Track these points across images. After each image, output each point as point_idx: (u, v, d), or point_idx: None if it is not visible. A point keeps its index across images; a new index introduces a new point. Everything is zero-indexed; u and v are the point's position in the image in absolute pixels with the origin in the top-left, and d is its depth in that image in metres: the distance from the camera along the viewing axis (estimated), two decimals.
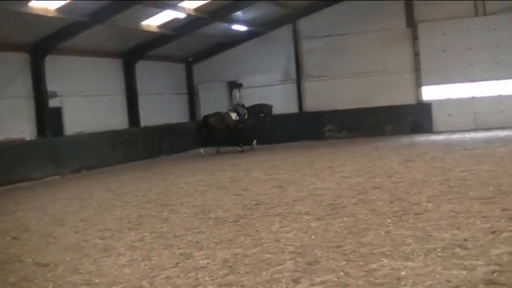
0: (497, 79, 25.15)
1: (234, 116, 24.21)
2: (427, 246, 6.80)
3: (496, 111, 24.92)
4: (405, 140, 22.84)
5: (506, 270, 5.73)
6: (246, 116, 24.43)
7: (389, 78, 26.03)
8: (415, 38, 26.07)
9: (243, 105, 24.67)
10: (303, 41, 27.76)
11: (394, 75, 26.12)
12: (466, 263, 6.06)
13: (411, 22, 26.05)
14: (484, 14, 25.26)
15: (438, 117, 25.63)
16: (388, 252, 6.73)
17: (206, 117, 24.46)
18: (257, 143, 25.10)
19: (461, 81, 25.52)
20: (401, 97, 25.74)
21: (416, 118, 25.80)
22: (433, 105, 25.82)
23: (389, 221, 8.38)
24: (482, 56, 25.16)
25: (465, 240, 6.96)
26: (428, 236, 7.31)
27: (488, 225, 7.54)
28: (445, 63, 25.49)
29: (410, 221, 8.25)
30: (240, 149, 24.16)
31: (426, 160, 15.42)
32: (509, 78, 24.99)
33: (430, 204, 9.25)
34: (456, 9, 25.35)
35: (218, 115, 24.33)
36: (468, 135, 22.45)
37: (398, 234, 7.54)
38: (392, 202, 9.77)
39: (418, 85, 26.04)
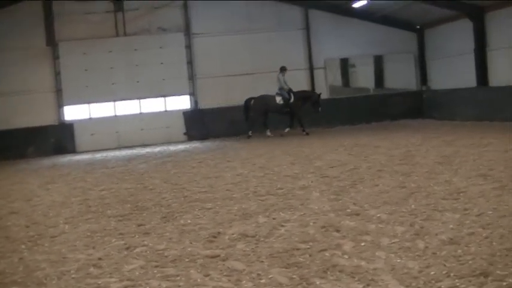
0: (138, 98, 26.00)
1: (278, 99, 23.91)
2: (61, 269, 6.55)
3: (138, 129, 25.74)
4: (48, 161, 22.17)
5: (138, 284, 5.81)
6: (291, 100, 23.69)
7: (30, 99, 25.07)
8: (55, 57, 25.61)
9: (290, 90, 23.91)
10: None
11: (35, 95, 25.24)
12: (100, 282, 6.00)
13: (51, 41, 25.50)
14: (125, 34, 25.92)
15: (81, 137, 25.45)
16: (20, 280, 6.34)
17: (248, 100, 24.42)
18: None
19: (103, 101, 25.76)
20: (42, 118, 25.01)
21: (58, 139, 25.29)
22: (75, 125, 25.58)
23: (23, 246, 7.92)
24: (123, 76, 25.80)
25: (100, 259, 6.87)
26: (64, 258, 7.07)
27: (123, 242, 7.57)
28: (87, 82, 25.49)
29: (46, 244, 7.90)
30: (287, 129, 24.09)
31: (67, 181, 15.12)
32: (148, 97, 26.05)
33: (67, 226, 9.00)
34: (97, 29, 25.59)
35: (261, 97, 24.36)
36: (111, 154, 22.70)
37: (33, 259, 7.15)
38: (28, 226, 9.27)
39: (60, 105, 25.60)
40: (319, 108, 24.18)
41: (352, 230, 7.30)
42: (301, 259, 6.19)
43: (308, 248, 6.57)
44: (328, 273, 5.69)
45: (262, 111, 24.41)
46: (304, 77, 27.33)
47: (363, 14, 26.94)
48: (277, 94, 24.17)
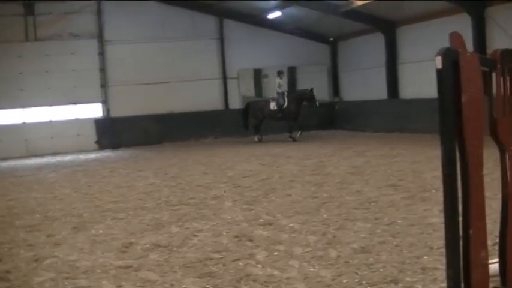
0: (48, 105, 25.31)
1: (272, 105, 23.44)
2: None
3: (48, 137, 25.01)
4: None
5: None
6: (285, 106, 23.01)
7: None
8: None
9: (283, 94, 23.42)
10: None
11: None
12: None
13: None
14: (35, 39, 25.20)
15: None
16: None
17: (248, 104, 24.28)
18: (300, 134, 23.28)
19: (11, 107, 24.93)
20: None
21: None
22: None
23: None
24: (33, 82, 25.02)
25: (7, 271, 6.62)
26: None
27: (32, 253, 7.33)
28: None
29: None
30: (290, 138, 23.19)
31: None
32: (59, 105, 25.37)
33: None
34: (6, 32, 24.71)
35: (258, 103, 24.55)
36: (19, 162, 21.95)
37: None
38: None
39: None
40: (317, 103, 23.44)
41: (265, 239, 7.33)
42: (214, 269, 6.17)
43: (221, 258, 6.56)
44: (242, 282, 5.69)
45: (259, 117, 23.97)
46: (217, 87, 27.39)
47: (277, 25, 27.25)
48: (272, 99, 23.78)
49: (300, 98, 23.50)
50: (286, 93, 23.55)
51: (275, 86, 23.89)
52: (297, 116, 23.42)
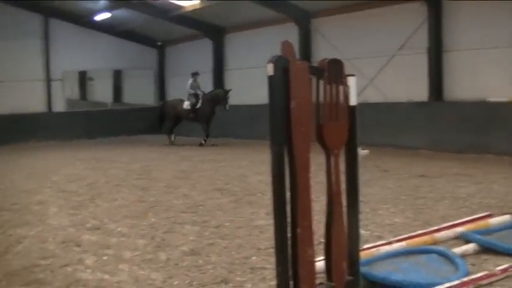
0: None
1: (185, 104, 21.89)
2: None
3: None
4: None
5: None
6: (198, 106, 21.47)
7: None
8: None
9: (196, 95, 21.69)
10: None
11: None
12: None
13: None
14: None
15: None
16: None
17: (163, 103, 23.66)
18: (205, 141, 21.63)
19: None
20: None
21: None
22: None
23: None
24: None
25: None
26: None
27: None
28: None
29: None
30: (202, 141, 21.64)
31: None
32: None
33: None
34: None
35: (173, 102, 23.08)
36: None
37: None
38: None
39: None
40: (227, 106, 21.32)
41: (93, 244, 7.22)
42: (42, 276, 5.97)
43: (49, 264, 6.36)
44: None
45: (172, 116, 22.52)
46: (40, 89, 26.35)
47: (105, 27, 26.75)
48: (187, 99, 22.09)
49: (214, 99, 21.78)
50: (201, 95, 21.94)
51: (186, 87, 22.24)
52: (210, 117, 21.86)
